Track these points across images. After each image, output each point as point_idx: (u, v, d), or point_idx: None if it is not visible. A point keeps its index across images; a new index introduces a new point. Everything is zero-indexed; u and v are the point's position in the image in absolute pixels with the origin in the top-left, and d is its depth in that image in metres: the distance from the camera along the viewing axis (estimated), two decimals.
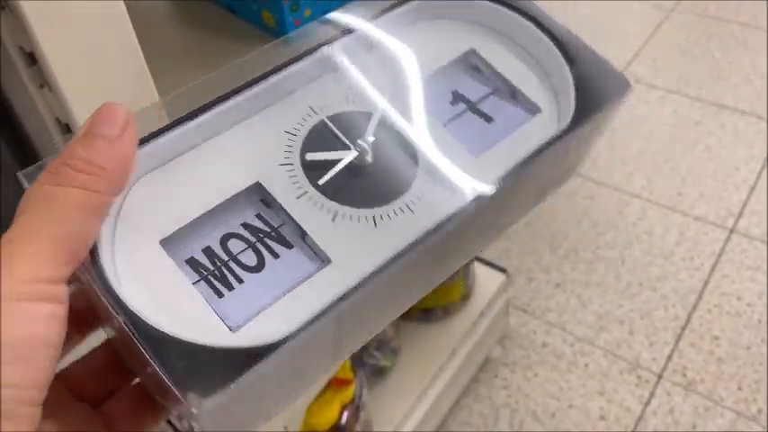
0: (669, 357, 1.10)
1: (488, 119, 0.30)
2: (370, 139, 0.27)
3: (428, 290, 0.30)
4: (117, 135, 0.21)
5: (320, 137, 0.27)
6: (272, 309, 0.24)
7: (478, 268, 1.07)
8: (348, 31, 0.29)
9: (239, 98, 0.27)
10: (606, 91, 0.31)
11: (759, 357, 1.08)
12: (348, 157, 0.27)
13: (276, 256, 0.25)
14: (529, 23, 0.31)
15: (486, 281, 1.06)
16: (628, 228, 1.29)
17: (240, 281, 0.24)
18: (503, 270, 1.08)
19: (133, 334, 0.21)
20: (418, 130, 0.28)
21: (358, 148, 0.27)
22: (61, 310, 0.20)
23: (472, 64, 0.32)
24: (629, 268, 1.22)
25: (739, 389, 1.05)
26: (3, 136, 0.44)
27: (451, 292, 1.00)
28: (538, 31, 0.31)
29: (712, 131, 1.45)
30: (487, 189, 0.27)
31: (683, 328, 1.13)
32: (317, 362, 0.26)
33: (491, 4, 0.32)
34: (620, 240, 1.27)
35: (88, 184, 0.21)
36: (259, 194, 0.26)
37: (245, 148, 0.27)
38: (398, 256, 0.24)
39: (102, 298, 0.22)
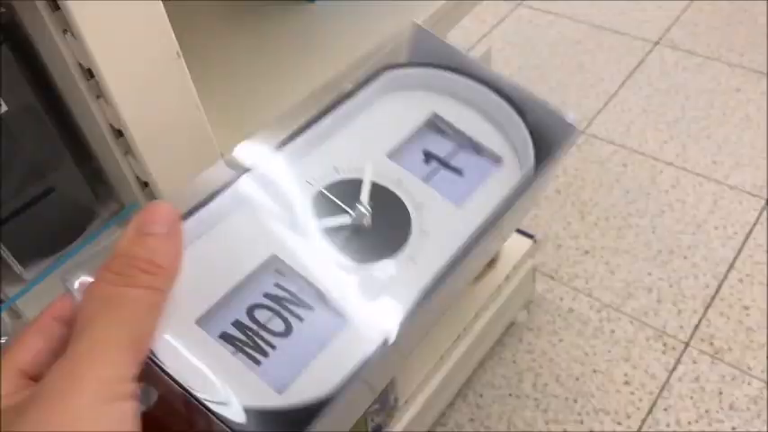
0: (697, 326, 1.09)
1: (459, 172, 0.34)
2: (366, 202, 0.30)
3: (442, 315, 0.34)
4: (167, 232, 0.22)
5: (321, 206, 0.30)
6: (310, 369, 0.26)
7: None
8: (326, 111, 0.33)
9: (247, 179, 0.30)
10: (557, 136, 0.36)
11: None
12: (348, 220, 0.30)
13: (301, 319, 0.27)
14: (480, 86, 0.36)
15: (512, 246, 1.06)
16: (660, 195, 1.27)
17: (273, 347, 0.26)
18: (530, 236, 1.08)
19: (208, 410, 0.23)
20: (405, 189, 0.32)
21: (356, 213, 0.30)
22: (136, 406, 0.21)
23: (437, 126, 0.36)
24: (660, 236, 1.21)
25: None
26: (28, 79, 0.45)
27: None
28: (489, 92, 0.36)
29: (752, 99, 1.41)
30: (468, 232, 0.31)
31: (713, 297, 1.12)
32: (360, 402, 0.29)
33: (446, 74, 0.36)
34: (652, 208, 1.25)
35: (152, 283, 0.22)
36: (274, 264, 0.29)
37: (256, 224, 0.29)
38: (411, 311, 0.27)
39: (167, 379, 0.23)
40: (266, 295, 0.28)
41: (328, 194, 0.31)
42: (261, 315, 0.27)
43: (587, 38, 1.60)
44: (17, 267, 0.51)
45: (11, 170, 0.48)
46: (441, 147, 0.35)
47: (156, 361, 0.24)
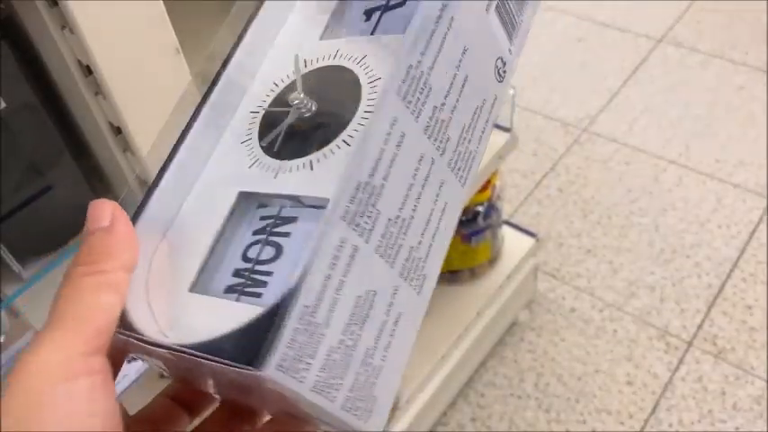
0: (700, 325, 1.09)
1: (401, 3, 0.30)
2: (300, 91, 0.28)
3: None
4: (108, 225, 0.23)
5: (269, 123, 0.28)
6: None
7: (507, 232, 1.06)
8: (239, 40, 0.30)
9: (186, 144, 0.28)
10: None
11: None
12: (289, 117, 0.28)
13: (288, 234, 0.26)
14: None
15: (514, 245, 1.06)
16: (663, 194, 1.26)
17: (269, 273, 0.25)
18: (532, 235, 1.07)
19: (206, 358, 0.22)
20: (345, 54, 0.29)
21: (294, 104, 0.27)
22: (99, 380, 0.21)
23: None
24: (663, 235, 1.20)
25: None
26: (27, 76, 0.45)
27: (479, 255, 1.00)
28: None
29: (756, 97, 1.40)
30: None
31: (716, 297, 1.11)
32: (372, 278, 0.25)
33: None
34: (655, 207, 1.25)
35: (94, 268, 0.22)
36: (249, 201, 0.27)
37: (214, 177, 0.28)
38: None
39: (187, 356, 0.23)
40: (255, 232, 0.27)
41: (271, 110, 0.29)
42: (252, 252, 0.26)
43: (590, 35, 1.60)
44: (15, 266, 0.51)
45: (9, 167, 0.47)
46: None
47: (128, 333, 0.23)
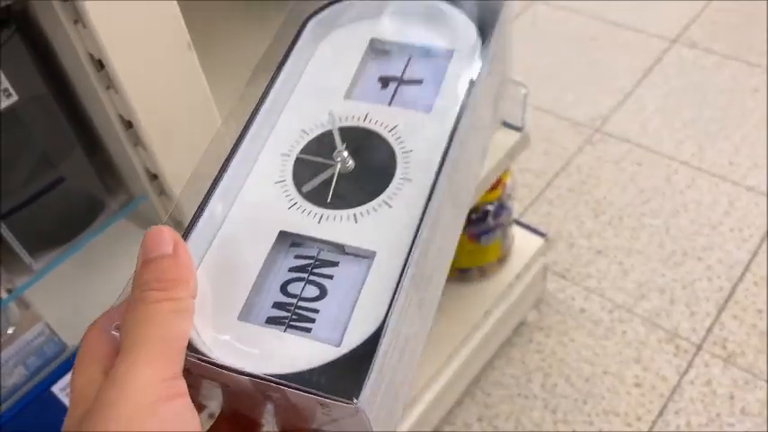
0: (710, 329, 1.08)
1: (419, 82, 0.34)
2: (343, 148, 0.31)
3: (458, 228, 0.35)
4: (171, 252, 0.25)
5: (305, 170, 0.31)
6: (356, 313, 0.27)
7: (517, 232, 1.06)
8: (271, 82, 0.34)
9: (222, 183, 0.31)
10: (492, 13, 0.35)
11: None
12: (333, 170, 0.31)
13: (330, 276, 0.29)
14: None
15: (524, 244, 1.05)
16: (675, 196, 1.26)
17: (316, 311, 0.28)
18: (542, 234, 1.07)
19: (284, 385, 0.24)
20: (374, 120, 0.32)
21: (338, 161, 0.31)
22: (185, 401, 0.23)
23: (379, 50, 0.36)
24: (674, 237, 1.19)
25: None
26: (39, 70, 0.45)
27: (488, 254, 1.00)
28: None
29: None
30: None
31: (727, 300, 1.11)
32: (412, 321, 0.29)
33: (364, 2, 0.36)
34: (667, 208, 1.24)
35: (168, 295, 0.24)
36: (286, 240, 0.30)
37: (253, 212, 0.31)
38: (424, 212, 0.29)
39: (251, 382, 0.25)
40: (291, 269, 0.29)
41: (306, 157, 0.31)
42: (294, 288, 0.29)
43: (603, 35, 1.59)
44: (26, 258, 0.51)
45: (21, 159, 0.48)
46: (391, 67, 0.35)
47: (218, 362, 0.25)
